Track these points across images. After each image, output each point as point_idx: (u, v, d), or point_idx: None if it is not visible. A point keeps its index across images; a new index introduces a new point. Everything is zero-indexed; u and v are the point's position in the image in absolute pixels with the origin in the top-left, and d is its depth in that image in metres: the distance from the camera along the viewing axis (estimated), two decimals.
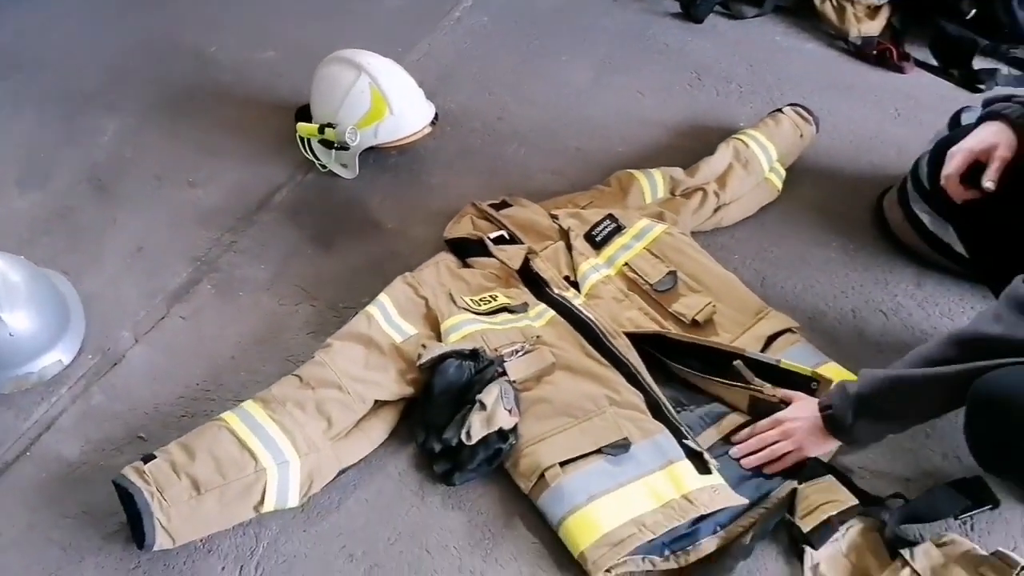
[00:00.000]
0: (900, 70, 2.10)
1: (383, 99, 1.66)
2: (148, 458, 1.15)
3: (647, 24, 2.28)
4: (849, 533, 1.18)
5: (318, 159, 1.76)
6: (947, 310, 1.53)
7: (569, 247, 1.53)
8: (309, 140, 1.75)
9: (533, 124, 1.94)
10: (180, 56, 2.11)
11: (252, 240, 1.64)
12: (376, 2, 2.33)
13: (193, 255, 1.61)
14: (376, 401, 1.28)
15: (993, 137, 1.23)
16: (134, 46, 2.14)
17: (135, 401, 1.35)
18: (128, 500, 1.11)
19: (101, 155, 1.82)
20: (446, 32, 2.23)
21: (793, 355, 1.34)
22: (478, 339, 1.34)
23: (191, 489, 1.12)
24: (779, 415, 1.25)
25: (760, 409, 1.27)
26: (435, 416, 1.25)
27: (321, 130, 1.69)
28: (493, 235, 1.55)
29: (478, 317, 1.39)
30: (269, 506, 1.16)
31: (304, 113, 1.80)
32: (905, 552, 1.14)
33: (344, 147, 1.69)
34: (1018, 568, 1.10)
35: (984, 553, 1.13)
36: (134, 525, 1.11)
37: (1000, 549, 1.13)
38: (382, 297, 1.40)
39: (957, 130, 1.48)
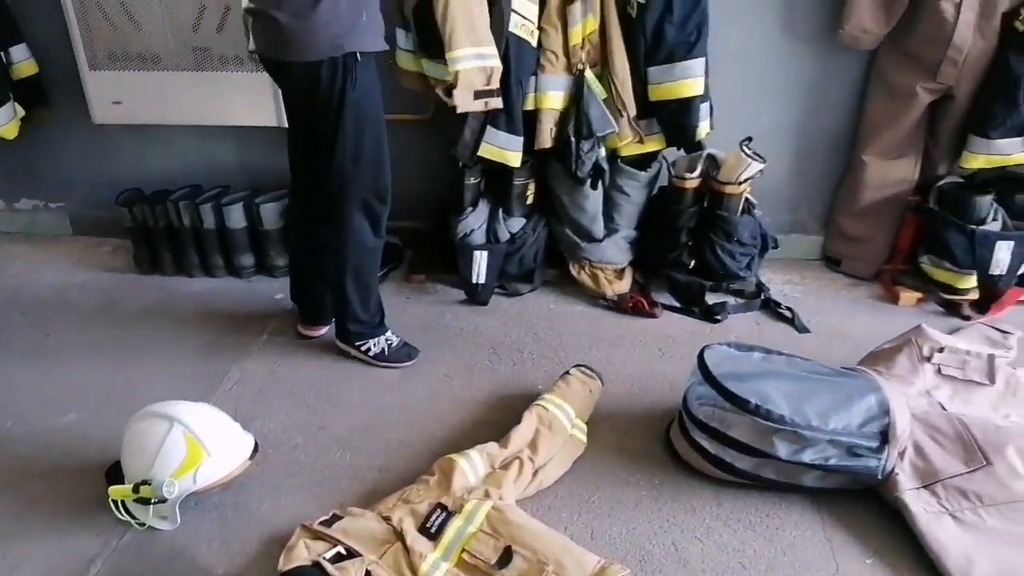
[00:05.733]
0: (653, 316, 2.49)
1: (198, 444, 1.68)
2: None
3: (440, 314, 2.55)
4: None
5: (135, 518, 1.71)
6: (749, 523, 1.73)
7: (407, 548, 1.57)
8: (123, 501, 1.71)
9: (353, 425, 2.04)
10: None
11: None
12: (181, 340, 2.41)
13: None
14: None
15: None
16: None
17: None
18: None
19: None
20: (255, 355, 2.33)
21: None
22: None
23: None
24: None
25: None
26: None
27: (136, 489, 1.66)
28: (329, 554, 1.56)
29: None
30: None
31: (115, 471, 1.77)
32: None
33: (162, 500, 1.66)
34: None
35: None
36: None
37: None
38: None
39: None
